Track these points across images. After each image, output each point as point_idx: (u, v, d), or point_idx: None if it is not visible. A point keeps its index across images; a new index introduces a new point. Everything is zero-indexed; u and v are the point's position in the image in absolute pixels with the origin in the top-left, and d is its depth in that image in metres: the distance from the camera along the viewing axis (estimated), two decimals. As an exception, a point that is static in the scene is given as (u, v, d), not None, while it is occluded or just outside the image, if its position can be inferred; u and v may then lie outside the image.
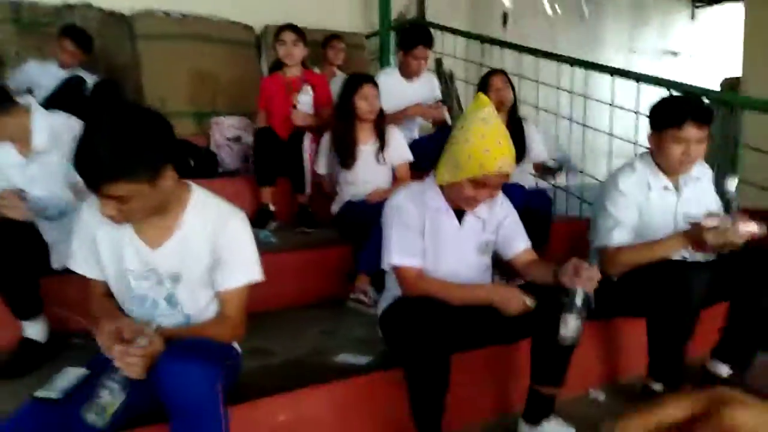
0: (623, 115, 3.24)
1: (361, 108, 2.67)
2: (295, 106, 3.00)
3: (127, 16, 4.10)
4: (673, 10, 7.93)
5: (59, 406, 1.22)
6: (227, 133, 3.59)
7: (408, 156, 2.88)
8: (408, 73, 3.39)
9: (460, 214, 1.79)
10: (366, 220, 2.53)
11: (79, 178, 1.79)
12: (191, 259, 1.40)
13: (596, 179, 3.15)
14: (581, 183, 3.61)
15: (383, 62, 4.82)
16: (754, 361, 2.10)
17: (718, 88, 4.39)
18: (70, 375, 1.31)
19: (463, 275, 1.79)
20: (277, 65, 3.34)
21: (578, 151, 3.57)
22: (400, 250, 1.72)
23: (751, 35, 4.02)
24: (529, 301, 1.60)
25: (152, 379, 1.18)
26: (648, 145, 2.13)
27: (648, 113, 2.10)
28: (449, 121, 3.45)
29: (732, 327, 2.07)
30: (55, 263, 1.86)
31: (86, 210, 1.44)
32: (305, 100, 3.05)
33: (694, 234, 1.86)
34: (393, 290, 1.86)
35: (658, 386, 1.95)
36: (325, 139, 2.84)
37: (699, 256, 2.05)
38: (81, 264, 1.46)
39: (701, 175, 2.16)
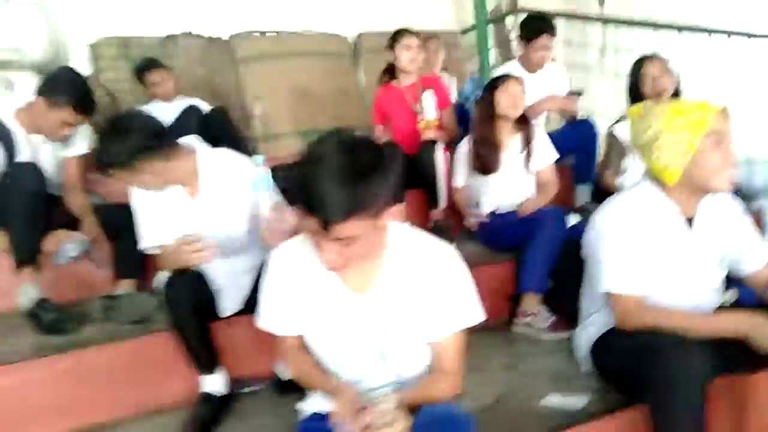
0: None
1: (501, 103, 2.44)
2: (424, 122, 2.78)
3: (226, 40, 4.06)
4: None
5: None
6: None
7: (554, 155, 2.62)
8: (531, 65, 3.13)
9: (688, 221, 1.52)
10: (521, 234, 2.30)
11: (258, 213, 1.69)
12: (403, 306, 1.22)
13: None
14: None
15: (483, 58, 4.56)
16: None
17: None
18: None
19: (694, 297, 1.52)
20: (388, 74, 3.14)
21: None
22: (618, 275, 1.47)
23: None
24: None
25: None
26: None
27: None
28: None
29: None
30: (223, 311, 1.75)
31: (276, 260, 1.29)
32: (429, 106, 2.83)
33: None
34: (599, 315, 1.62)
35: None
36: (463, 147, 2.62)
37: None
38: (272, 321, 1.31)
39: None
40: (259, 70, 4.08)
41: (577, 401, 1.57)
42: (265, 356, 1.90)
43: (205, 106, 3.30)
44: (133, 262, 2.19)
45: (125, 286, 2.13)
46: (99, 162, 1.61)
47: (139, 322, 1.95)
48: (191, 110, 3.08)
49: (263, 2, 4.23)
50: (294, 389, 1.75)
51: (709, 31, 3.10)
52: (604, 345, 1.57)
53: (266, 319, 1.32)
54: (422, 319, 1.23)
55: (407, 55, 2.84)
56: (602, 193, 3.04)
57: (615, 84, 3.56)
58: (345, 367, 1.26)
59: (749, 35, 2.94)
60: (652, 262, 1.49)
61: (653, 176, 1.52)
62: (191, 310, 1.61)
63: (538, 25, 3.05)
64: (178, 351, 1.79)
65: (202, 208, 1.74)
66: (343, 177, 0.99)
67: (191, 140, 1.78)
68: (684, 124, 1.40)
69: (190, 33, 3.99)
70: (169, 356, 1.83)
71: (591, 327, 1.64)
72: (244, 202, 1.76)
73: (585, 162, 3.08)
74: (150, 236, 1.77)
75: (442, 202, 2.75)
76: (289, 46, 4.22)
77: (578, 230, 2.33)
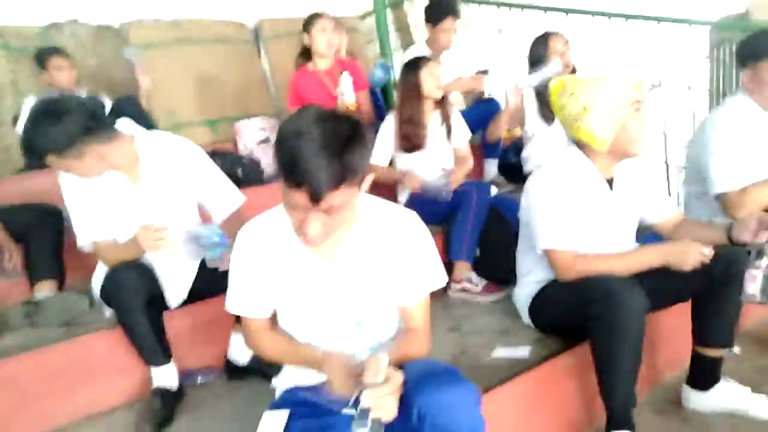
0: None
1: (427, 85, 2.52)
2: (344, 105, 2.81)
3: (118, 29, 3.82)
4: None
5: None
6: (255, 136, 3.38)
7: (468, 133, 2.77)
8: (438, 47, 3.27)
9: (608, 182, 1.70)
10: (447, 208, 2.42)
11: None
12: (375, 274, 1.26)
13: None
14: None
15: (384, 43, 4.65)
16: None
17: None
18: (276, 421, 1.18)
19: (617, 246, 1.70)
20: (303, 58, 3.14)
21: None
22: (555, 233, 1.61)
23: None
24: (708, 251, 1.52)
25: (407, 415, 1.05)
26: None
27: (739, 51, 2.03)
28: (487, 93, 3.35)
29: None
30: (173, 301, 1.69)
31: (242, 241, 1.28)
32: (348, 89, 2.87)
33: None
34: (535, 273, 1.76)
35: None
36: (386, 127, 2.68)
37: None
38: (242, 304, 1.30)
39: None
40: (156, 59, 3.87)
41: (522, 351, 1.70)
42: (214, 346, 1.86)
43: (106, 101, 3.11)
44: (49, 262, 2.05)
45: (45, 289, 1.98)
46: (34, 149, 1.49)
47: (69, 324, 1.83)
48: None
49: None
50: (252, 374, 1.75)
51: (593, 13, 3.39)
52: (544, 298, 1.71)
53: (236, 303, 1.30)
54: (392, 283, 1.28)
55: (323, 38, 2.87)
56: (509, 167, 3.28)
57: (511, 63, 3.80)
58: (322, 337, 1.28)
59: (626, 17, 3.26)
60: (581, 219, 1.65)
61: (579, 143, 1.67)
62: (142, 302, 1.54)
63: (443, 8, 3.18)
64: (119, 348, 1.72)
65: (146, 194, 1.67)
66: (329, 146, 1.01)
67: (126, 123, 1.70)
68: (612, 96, 1.55)
69: (77, 21, 3.70)
70: (110, 355, 1.75)
71: (529, 284, 1.78)
72: (189, 186, 1.70)
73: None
74: (89, 231, 1.66)
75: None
76: (186, 33, 4.04)
77: (498, 201, 2.51)
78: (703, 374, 1.72)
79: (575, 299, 1.56)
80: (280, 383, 1.36)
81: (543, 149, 2.97)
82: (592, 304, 1.49)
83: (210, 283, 1.77)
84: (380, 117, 3.00)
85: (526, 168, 3.02)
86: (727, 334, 1.66)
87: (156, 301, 1.63)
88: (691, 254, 1.53)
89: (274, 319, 1.35)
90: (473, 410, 1.07)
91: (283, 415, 1.20)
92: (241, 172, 2.85)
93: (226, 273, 1.32)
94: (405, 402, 1.07)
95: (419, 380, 1.08)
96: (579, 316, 1.54)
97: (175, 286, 1.69)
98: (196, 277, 1.77)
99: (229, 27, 4.27)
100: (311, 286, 1.25)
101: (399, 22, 4.90)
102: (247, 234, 1.28)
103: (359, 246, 1.26)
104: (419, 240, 1.29)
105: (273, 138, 3.32)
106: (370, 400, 1.02)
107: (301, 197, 1.04)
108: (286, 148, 1.03)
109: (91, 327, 1.78)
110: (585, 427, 1.70)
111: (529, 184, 1.70)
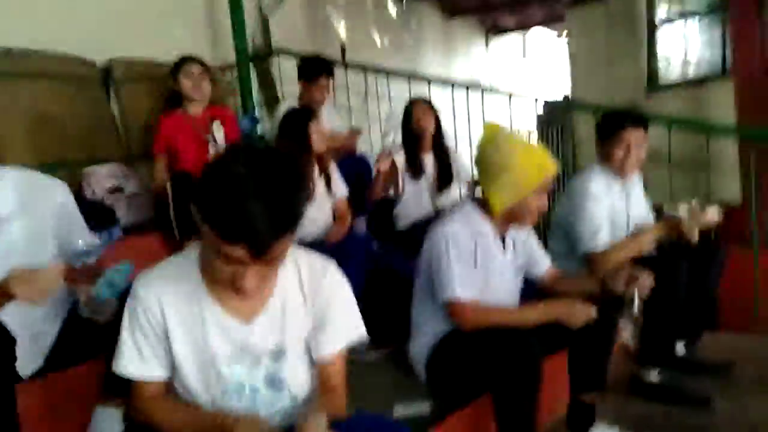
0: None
1: (315, 140, 2.50)
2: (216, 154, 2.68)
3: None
4: (474, 40, 8.90)
5: None
6: (106, 183, 3.06)
7: (345, 189, 2.78)
8: (310, 104, 3.28)
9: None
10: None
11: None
12: (293, 327, 1.17)
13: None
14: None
15: (247, 97, 4.58)
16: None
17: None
18: None
19: (506, 300, 1.80)
20: (171, 102, 2.97)
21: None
22: (461, 283, 1.66)
23: (575, 60, 4.75)
24: (594, 312, 1.65)
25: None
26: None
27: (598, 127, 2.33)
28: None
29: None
30: (24, 369, 1.40)
31: (139, 295, 1.12)
32: (220, 137, 2.76)
33: (670, 224, 2.12)
34: (433, 325, 1.78)
35: None
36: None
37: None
38: (136, 363, 1.12)
39: (637, 180, 2.45)
40: (-17, 91, 3.38)
41: (423, 407, 1.68)
42: (73, 423, 1.56)
43: None
44: None
45: None
46: None
47: None
48: None
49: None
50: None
51: (453, 84, 3.69)
52: (442, 350, 1.73)
53: (128, 364, 1.12)
54: (310, 338, 1.21)
55: (187, 82, 2.78)
56: (379, 224, 3.33)
57: (376, 126, 3.95)
58: (236, 403, 1.14)
59: (484, 89, 3.62)
60: (479, 272, 1.72)
61: (481, 198, 1.77)
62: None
63: (317, 66, 3.24)
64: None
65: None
66: (271, 195, 0.93)
67: None
68: (526, 172, 1.65)
69: None
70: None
71: (426, 336, 1.78)
72: (47, 226, 1.46)
73: (361, 195, 3.33)
74: None
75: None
76: (25, 66, 3.59)
77: (380, 255, 2.53)
78: (580, 417, 1.84)
79: (473, 350, 1.60)
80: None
81: (412, 206, 3.08)
82: (488, 355, 1.54)
83: (71, 348, 1.52)
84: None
85: (399, 225, 3.09)
86: (600, 379, 1.81)
87: (5, 373, 1.33)
88: (580, 314, 1.66)
89: (168, 386, 1.18)
90: None
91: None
92: (95, 222, 2.53)
93: (90, 335, 1.14)
94: None
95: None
96: (479, 367, 1.57)
97: (25, 353, 1.40)
98: (55, 341, 1.50)
99: (76, 64, 3.88)
100: (224, 349, 1.13)
101: (262, 77, 4.87)
102: (144, 285, 1.13)
103: (279, 300, 1.16)
104: (337, 288, 1.23)
105: (127, 186, 3.13)
106: None
107: (240, 252, 0.94)
108: (220, 199, 0.93)
109: None
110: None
111: (434, 235, 1.74)
